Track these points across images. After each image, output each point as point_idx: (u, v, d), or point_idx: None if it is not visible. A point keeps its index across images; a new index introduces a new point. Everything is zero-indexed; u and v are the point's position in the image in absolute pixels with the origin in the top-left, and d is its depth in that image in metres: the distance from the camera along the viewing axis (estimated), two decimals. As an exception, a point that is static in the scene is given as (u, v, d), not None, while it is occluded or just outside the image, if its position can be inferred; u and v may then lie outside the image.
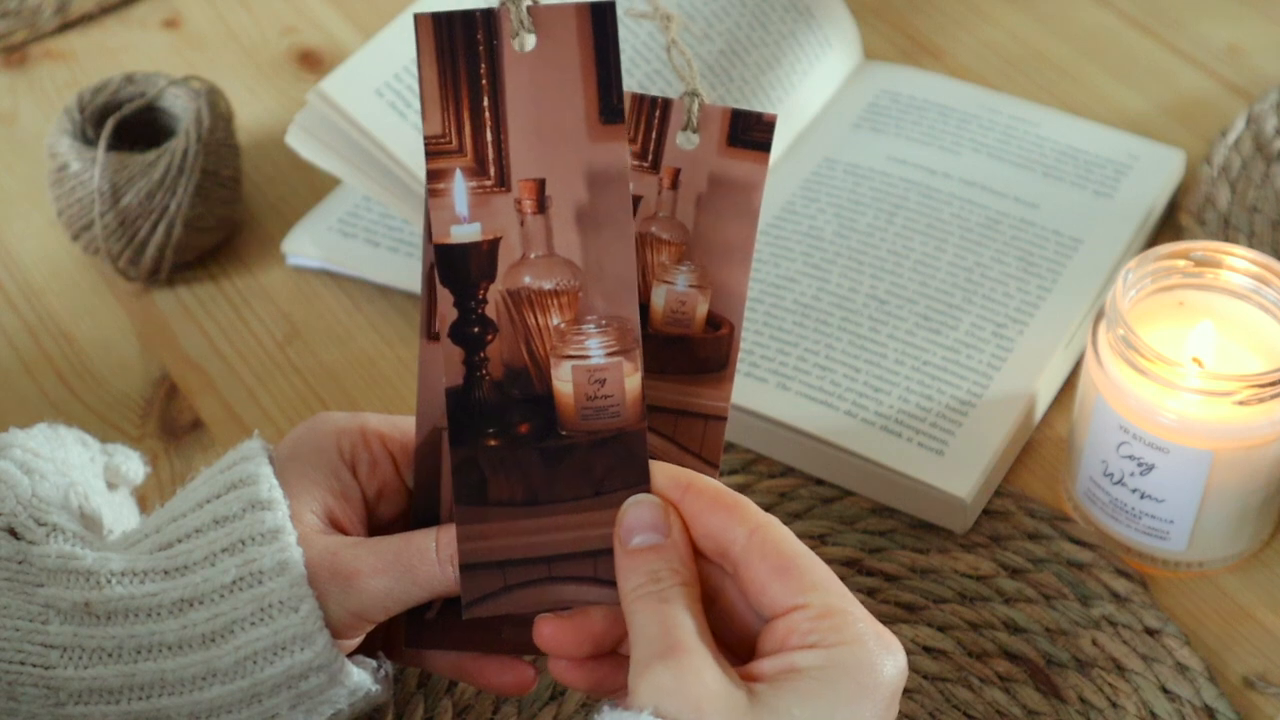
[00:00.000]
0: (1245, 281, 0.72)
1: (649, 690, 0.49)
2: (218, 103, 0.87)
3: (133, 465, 0.66)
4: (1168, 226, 0.88)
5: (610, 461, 0.51)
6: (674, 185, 0.56)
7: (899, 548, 0.73)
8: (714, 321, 0.57)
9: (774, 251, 0.83)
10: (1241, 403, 0.67)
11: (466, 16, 0.47)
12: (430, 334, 0.56)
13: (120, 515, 0.64)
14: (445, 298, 0.46)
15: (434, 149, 0.46)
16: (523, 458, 0.49)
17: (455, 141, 0.46)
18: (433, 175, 0.46)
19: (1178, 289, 0.72)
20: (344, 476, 0.58)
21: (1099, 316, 0.71)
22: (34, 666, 0.55)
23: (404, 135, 0.79)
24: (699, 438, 0.57)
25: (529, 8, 0.48)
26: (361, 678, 0.56)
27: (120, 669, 0.55)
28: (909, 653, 0.69)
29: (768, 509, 0.73)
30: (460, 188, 0.46)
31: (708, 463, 0.56)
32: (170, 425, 0.80)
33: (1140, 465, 0.70)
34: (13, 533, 0.57)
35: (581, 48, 0.49)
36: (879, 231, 0.84)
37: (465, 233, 0.47)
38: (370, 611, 0.55)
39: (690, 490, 0.53)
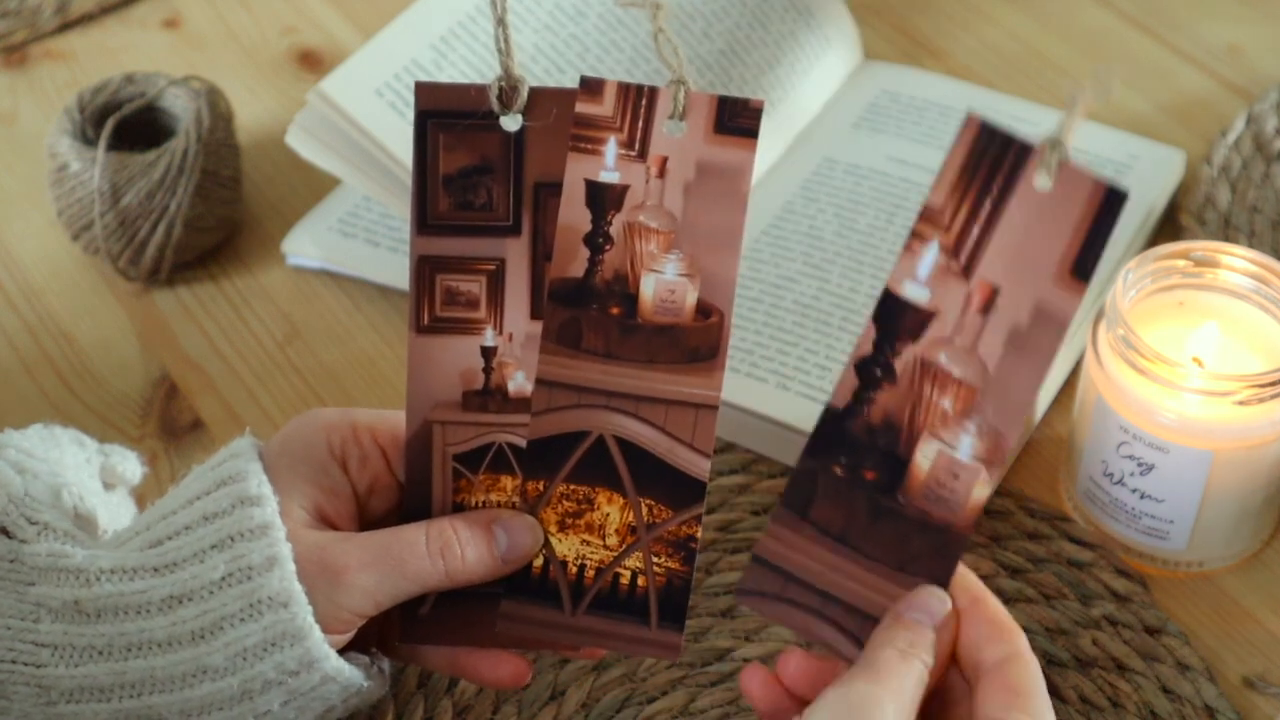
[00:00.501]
0: (1245, 281, 0.71)
1: (830, 697, 0.51)
2: (218, 103, 0.87)
3: (130, 465, 0.66)
4: (1168, 226, 0.88)
5: (927, 548, 0.54)
6: (661, 174, 0.58)
7: (899, 548, 0.73)
8: (704, 310, 0.58)
9: (774, 251, 0.83)
10: (1241, 403, 0.67)
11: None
12: (419, 326, 0.57)
13: (117, 515, 0.64)
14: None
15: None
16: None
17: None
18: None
19: (1178, 289, 0.72)
20: (333, 472, 0.58)
21: (1099, 316, 0.71)
22: (25, 665, 0.55)
23: (404, 135, 0.79)
24: (690, 427, 0.57)
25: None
26: (354, 674, 0.56)
27: (111, 667, 0.55)
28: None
29: (767, 509, 0.74)
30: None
31: (699, 452, 0.57)
32: (170, 425, 0.80)
33: (1140, 465, 0.70)
34: (4, 532, 0.57)
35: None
36: (879, 231, 0.84)
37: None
38: (360, 606, 0.55)
39: (978, 603, 0.54)
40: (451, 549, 0.56)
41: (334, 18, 1.04)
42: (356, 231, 0.87)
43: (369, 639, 0.59)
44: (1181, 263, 0.72)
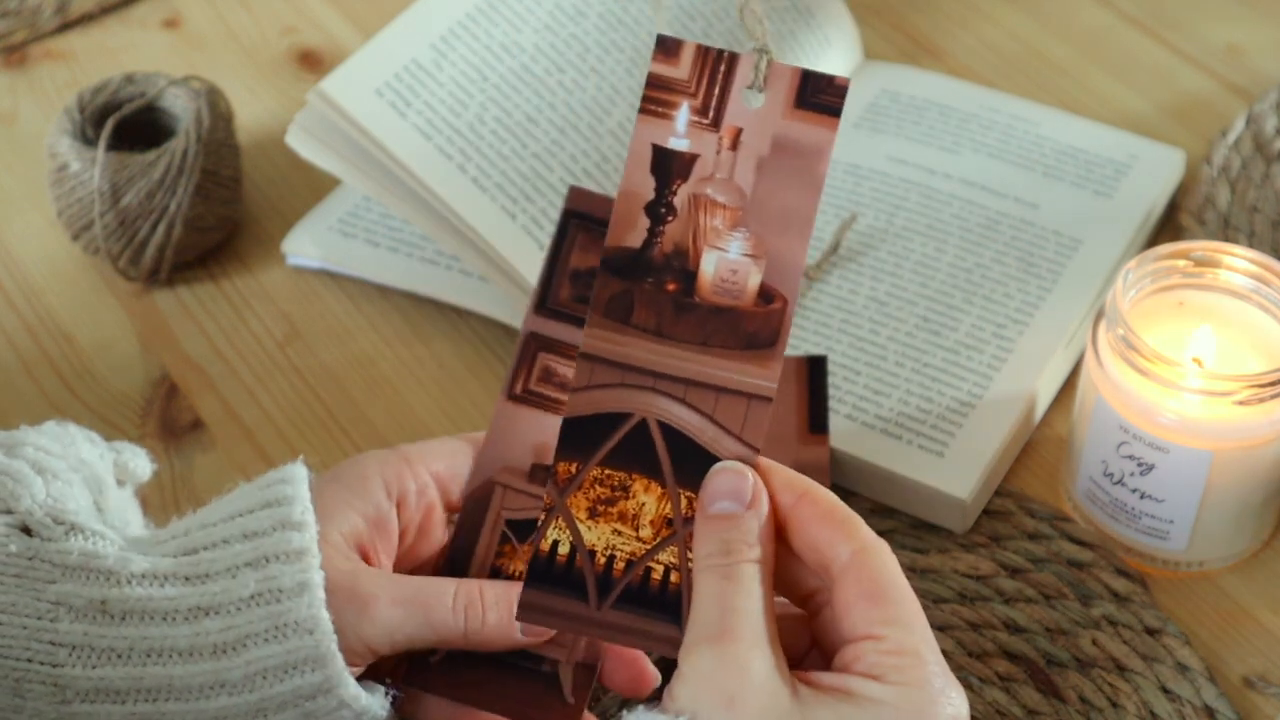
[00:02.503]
0: (1245, 281, 0.72)
1: (690, 672, 0.50)
2: (218, 103, 0.87)
3: (140, 462, 0.66)
4: (1168, 226, 0.88)
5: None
6: (734, 146, 0.56)
7: (899, 548, 0.73)
8: (766, 295, 0.56)
9: (774, 251, 0.83)
10: (1241, 403, 0.67)
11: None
12: (511, 394, 0.60)
13: (124, 513, 0.64)
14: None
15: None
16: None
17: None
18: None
19: (1178, 289, 0.72)
20: (382, 505, 0.58)
21: (1099, 316, 0.71)
22: (41, 664, 0.55)
23: (404, 135, 0.79)
24: (740, 418, 0.55)
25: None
26: (370, 701, 0.56)
27: (128, 671, 0.55)
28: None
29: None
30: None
31: (748, 445, 0.54)
32: (170, 425, 0.80)
33: (1140, 465, 0.70)
34: (26, 530, 0.57)
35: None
36: (879, 232, 0.84)
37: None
38: (379, 641, 0.55)
39: (805, 498, 0.53)
40: (475, 609, 0.56)
41: (334, 18, 1.04)
42: (356, 231, 0.87)
43: (379, 677, 0.59)
44: (1181, 263, 0.72)
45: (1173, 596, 0.72)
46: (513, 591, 0.56)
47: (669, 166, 0.57)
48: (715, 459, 0.54)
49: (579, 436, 0.56)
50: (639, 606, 0.54)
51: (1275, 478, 0.70)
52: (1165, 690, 0.68)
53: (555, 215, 0.80)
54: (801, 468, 0.56)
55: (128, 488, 0.65)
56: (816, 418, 0.75)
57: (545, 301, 0.61)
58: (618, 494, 0.56)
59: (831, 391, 0.77)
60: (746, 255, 0.56)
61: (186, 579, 0.55)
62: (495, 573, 0.58)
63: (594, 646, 0.57)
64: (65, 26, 1.02)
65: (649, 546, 0.55)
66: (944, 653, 0.69)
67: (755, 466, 0.53)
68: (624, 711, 0.51)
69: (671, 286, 0.56)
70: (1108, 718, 0.67)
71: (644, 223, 0.57)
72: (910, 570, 0.72)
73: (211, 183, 0.85)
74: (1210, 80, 0.97)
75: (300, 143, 0.81)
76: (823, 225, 0.85)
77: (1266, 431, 0.68)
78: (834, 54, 0.94)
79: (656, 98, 0.56)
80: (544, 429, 0.60)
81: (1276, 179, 0.89)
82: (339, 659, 0.55)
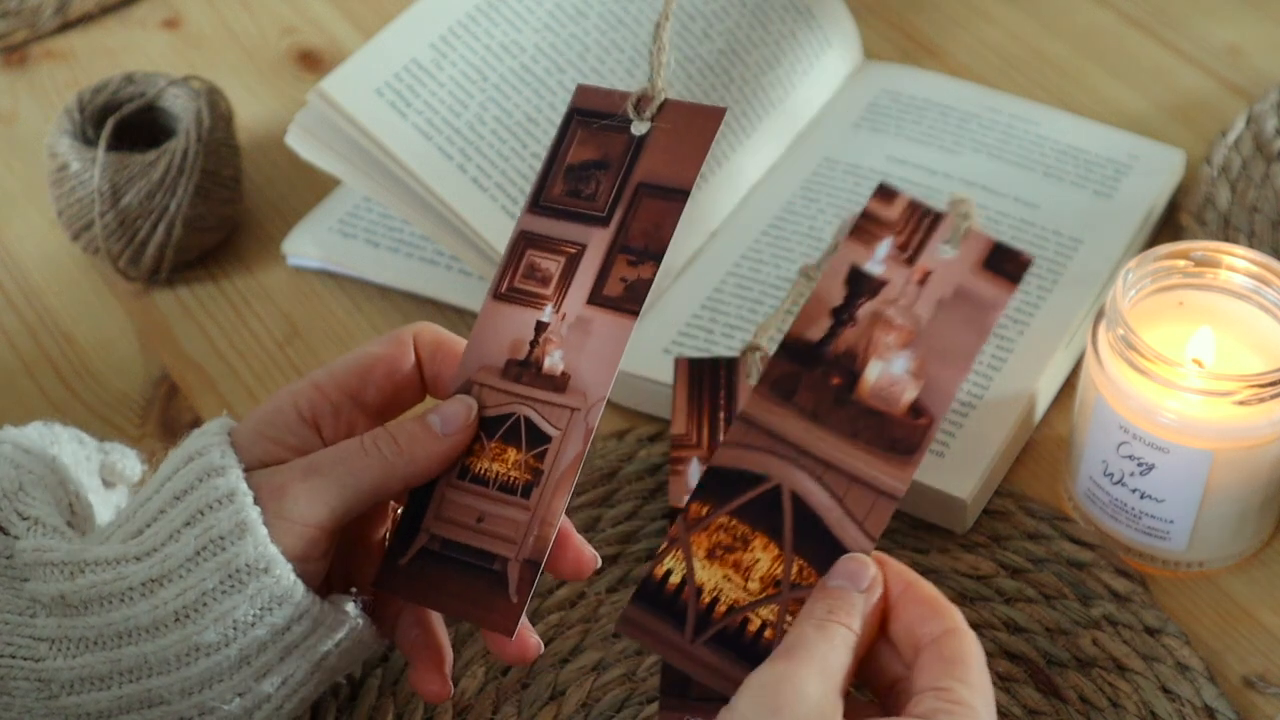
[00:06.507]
0: (1245, 281, 0.72)
1: (752, 682, 0.52)
2: (218, 103, 0.87)
3: (130, 463, 0.66)
4: (1168, 226, 0.88)
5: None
6: (922, 282, 0.63)
7: (899, 548, 0.73)
8: (917, 409, 0.61)
9: (774, 252, 0.84)
10: (1241, 403, 0.67)
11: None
12: (496, 293, 0.60)
13: (106, 513, 0.64)
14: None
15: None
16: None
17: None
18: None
19: (1178, 289, 0.72)
20: (303, 433, 0.58)
21: (1099, 316, 0.71)
22: (24, 659, 0.55)
23: (404, 135, 0.79)
24: (866, 508, 0.57)
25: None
26: (347, 612, 0.57)
27: (106, 656, 0.55)
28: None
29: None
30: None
31: (868, 535, 0.57)
32: (170, 425, 0.80)
33: (1140, 465, 0.70)
34: (1, 529, 0.57)
35: None
36: (879, 231, 0.84)
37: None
38: (309, 513, 0.55)
39: (911, 588, 0.55)
40: (385, 441, 0.57)
41: (334, 18, 1.04)
42: (357, 232, 0.87)
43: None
44: (1181, 263, 0.72)
45: (1173, 596, 0.72)
46: (416, 416, 0.58)
47: (861, 284, 0.63)
48: (835, 538, 0.57)
49: (717, 484, 0.60)
50: (728, 649, 0.56)
51: (1275, 478, 0.70)
52: (1165, 690, 0.68)
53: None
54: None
55: (120, 489, 0.65)
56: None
57: (538, 199, 0.61)
58: (737, 544, 0.60)
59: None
60: (908, 372, 0.62)
61: (136, 558, 0.55)
62: (464, 471, 0.59)
63: (540, 542, 0.58)
64: (65, 26, 1.02)
65: (753, 599, 0.57)
66: (944, 653, 0.69)
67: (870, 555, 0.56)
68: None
69: (836, 380, 0.62)
70: (1108, 718, 0.67)
71: (826, 323, 0.63)
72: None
73: (211, 183, 0.85)
74: (1210, 80, 0.97)
75: (300, 143, 0.81)
76: (822, 225, 0.85)
77: (1266, 431, 0.68)
78: (834, 54, 0.94)
79: (867, 228, 0.63)
80: (521, 324, 0.60)
81: (1276, 179, 0.89)
82: (301, 585, 0.55)
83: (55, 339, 0.84)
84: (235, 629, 0.55)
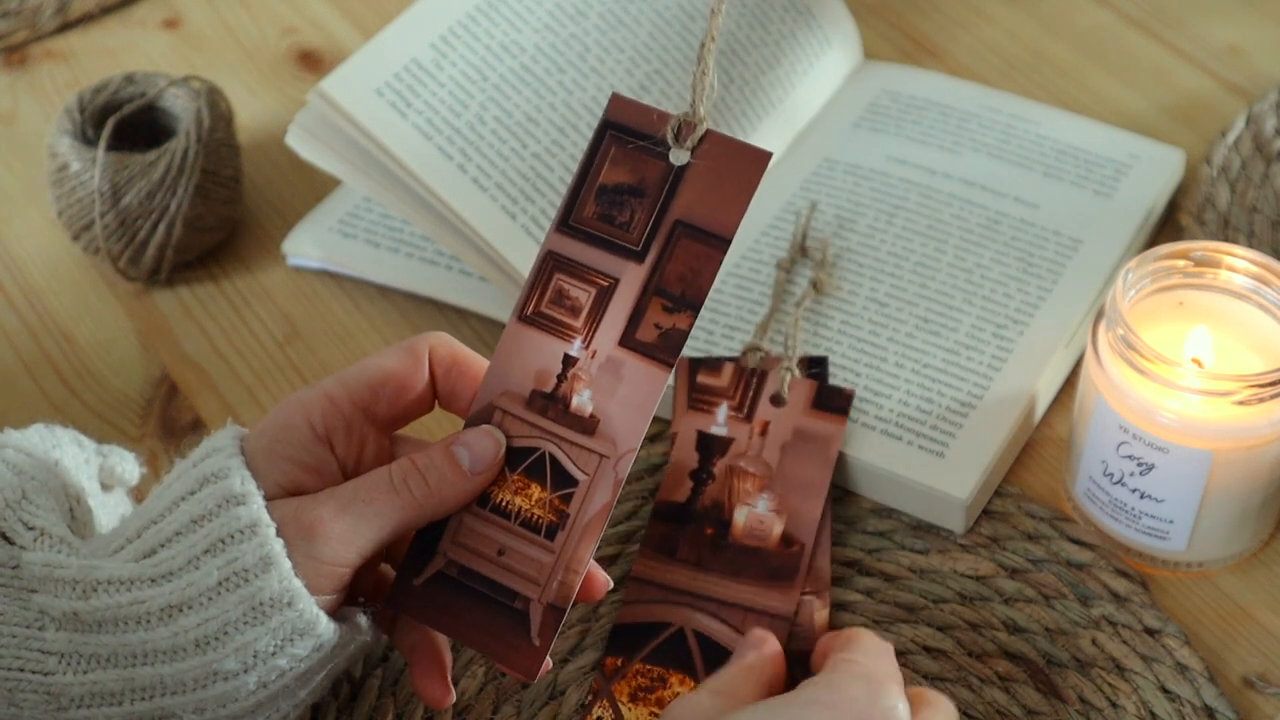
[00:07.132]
0: (1245, 281, 0.72)
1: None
2: (218, 103, 0.87)
3: (128, 466, 0.65)
4: (1168, 226, 0.88)
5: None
6: (763, 434, 0.72)
7: (899, 548, 0.73)
8: (788, 539, 0.70)
9: (774, 252, 0.84)
10: (1241, 403, 0.67)
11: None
12: (521, 315, 0.59)
13: (115, 517, 0.64)
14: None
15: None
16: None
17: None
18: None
19: (1178, 289, 0.72)
20: (315, 450, 0.57)
21: (1099, 316, 0.71)
22: (33, 673, 0.55)
23: (404, 135, 0.79)
24: None
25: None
26: (361, 627, 0.57)
27: (119, 674, 0.55)
28: (909, 653, 0.69)
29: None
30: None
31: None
32: (170, 425, 0.80)
33: (1140, 465, 0.70)
34: (4, 538, 0.57)
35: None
36: (879, 232, 0.84)
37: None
38: (339, 555, 0.55)
39: (832, 638, 0.57)
40: (414, 477, 0.56)
41: (334, 18, 1.04)
42: (357, 232, 0.87)
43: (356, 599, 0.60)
44: (1181, 263, 0.72)
45: (1173, 596, 0.72)
46: (440, 444, 0.57)
47: (711, 446, 0.72)
48: None
49: (626, 639, 0.68)
50: None
51: (1275, 478, 0.70)
52: (1165, 690, 0.68)
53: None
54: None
55: (117, 492, 0.65)
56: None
57: (569, 218, 0.58)
58: (656, 684, 0.67)
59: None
60: (771, 510, 0.70)
61: (152, 580, 0.55)
62: (484, 499, 0.58)
63: (565, 589, 0.57)
64: (65, 26, 1.02)
65: None
66: (944, 653, 0.69)
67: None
68: None
69: (709, 531, 0.70)
70: (1108, 718, 0.67)
71: (689, 485, 0.72)
72: (910, 570, 0.72)
73: (211, 183, 0.85)
74: (1210, 80, 0.97)
75: (300, 143, 0.81)
76: (822, 225, 0.85)
77: (1266, 431, 0.68)
78: (834, 54, 0.94)
79: (702, 399, 0.73)
80: (547, 354, 0.58)
81: (1276, 179, 0.89)
82: (324, 618, 0.55)
83: (55, 339, 0.84)
84: (256, 658, 0.55)
